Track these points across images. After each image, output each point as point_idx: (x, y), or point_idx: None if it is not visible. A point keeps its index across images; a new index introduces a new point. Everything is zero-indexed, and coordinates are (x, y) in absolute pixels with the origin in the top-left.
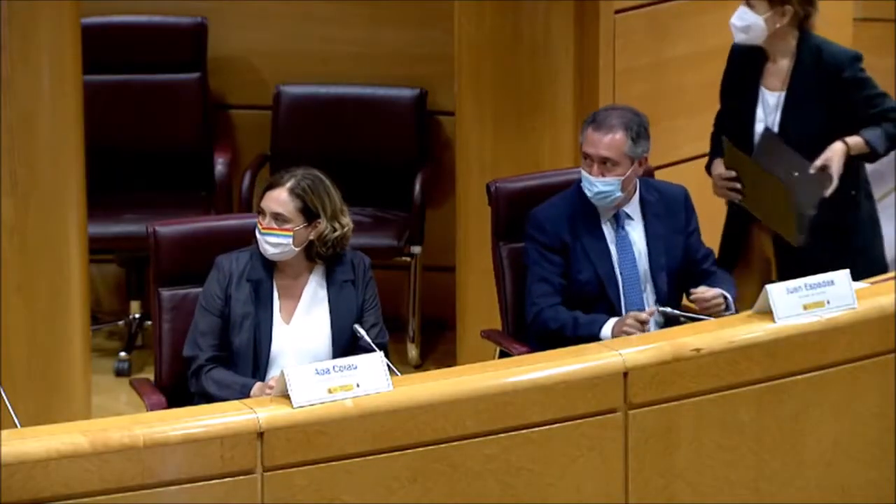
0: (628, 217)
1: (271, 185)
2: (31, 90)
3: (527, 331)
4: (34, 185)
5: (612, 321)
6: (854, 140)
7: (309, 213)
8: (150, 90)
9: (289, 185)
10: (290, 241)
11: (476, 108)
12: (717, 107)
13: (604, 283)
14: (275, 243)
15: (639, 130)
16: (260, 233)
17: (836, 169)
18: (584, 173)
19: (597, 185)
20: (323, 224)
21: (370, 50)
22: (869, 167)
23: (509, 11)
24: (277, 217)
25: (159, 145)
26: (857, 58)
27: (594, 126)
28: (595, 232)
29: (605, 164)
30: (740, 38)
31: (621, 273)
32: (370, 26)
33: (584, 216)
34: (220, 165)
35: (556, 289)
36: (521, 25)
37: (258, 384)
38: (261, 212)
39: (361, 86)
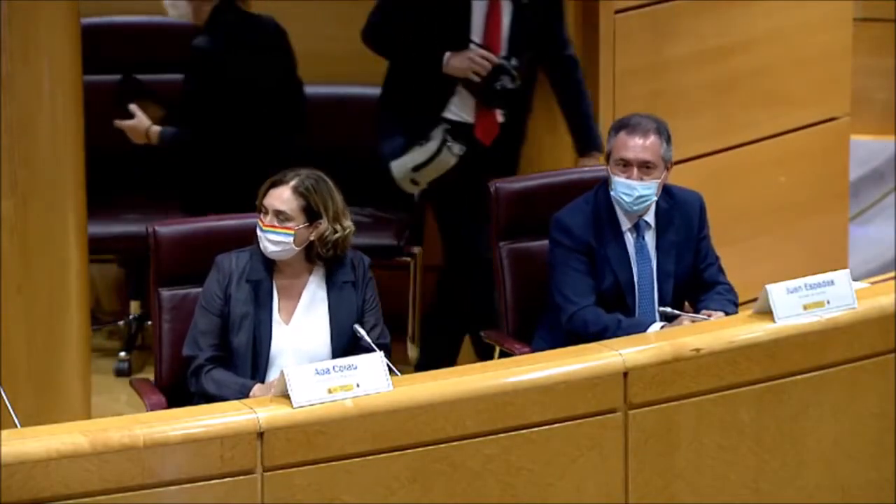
0: (647, 225)
1: (274, 184)
2: (31, 90)
3: (538, 327)
4: (34, 185)
5: (658, 325)
6: None
7: (311, 213)
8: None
9: (293, 183)
10: (292, 239)
11: None
12: (718, 106)
13: (623, 291)
14: (276, 241)
15: (668, 135)
16: (261, 230)
17: None
18: (620, 179)
19: (637, 189)
20: (324, 225)
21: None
22: (868, 167)
23: None
24: (279, 215)
25: (159, 145)
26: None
27: (628, 131)
28: (618, 240)
29: (645, 168)
30: (173, 14)
31: (639, 282)
32: None
33: (607, 223)
34: None
35: (591, 288)
36: None
37: (258, 386)
38: (263, 210)
39: (361, 86)
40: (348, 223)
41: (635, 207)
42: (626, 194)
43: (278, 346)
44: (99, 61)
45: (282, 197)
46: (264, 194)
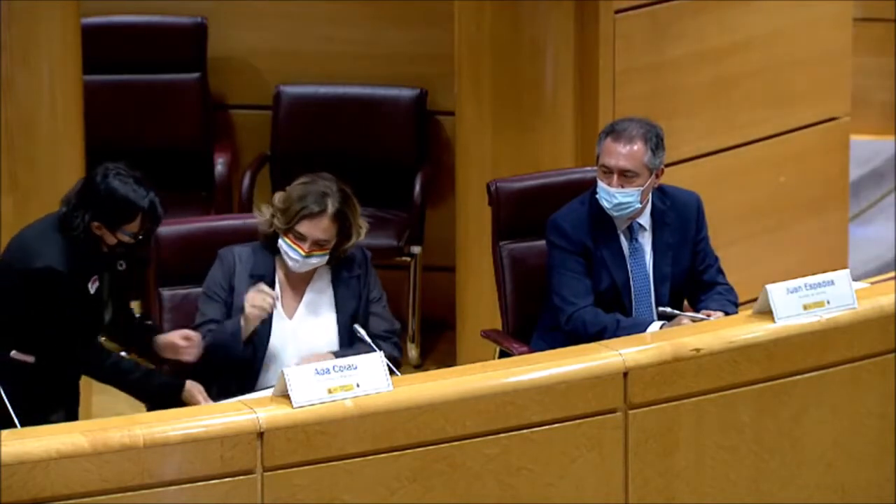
0: (641, 227)
1: (312, 214)
2: (31, 90)
3: (536, 327)
4: (34, 185)
5: (657, 324)
6: None
7: (345, 233)
8: (150, 90)
9: (330, 211)
10: (327, 257)
11: (476, 108)
12: (718, 106)
13: (620, 293)
14: (315, 264)
15: (657, 141)
16: (302, 256)
17: None
18: (602, 185)
19: (616, 197)
20: (353, 238)
21: (370, 50)
22: (868, 167)
23: (509, 11)
24: (320, 242)
25: (159, 145)
26: None
27: (613, 137)
28: (612, 242)
29: (624, 176)
30: None
31: (634, 283)
32: (370, 26)
33: (602, 224)
34: (220, 165)
35: (588, 289)
36: (521, 25)
37: (250, 291)
38: (298, 235)
39: (361, 86)
40: (364, 223)
41: (616, 214)
42: (606, 200)
43: (280, 340)
44: (99, 61)
45: (322, 227)
46: (296, 220)
